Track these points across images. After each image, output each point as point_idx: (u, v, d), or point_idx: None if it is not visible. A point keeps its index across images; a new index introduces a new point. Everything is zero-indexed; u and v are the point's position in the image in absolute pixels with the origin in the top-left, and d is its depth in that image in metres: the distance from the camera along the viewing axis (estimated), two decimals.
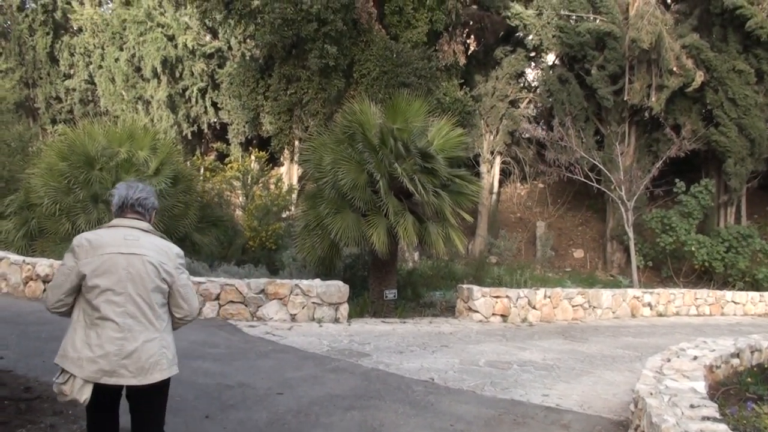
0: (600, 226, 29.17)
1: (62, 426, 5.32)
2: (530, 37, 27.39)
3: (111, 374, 3.53)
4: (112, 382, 3.55)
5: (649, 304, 17.18)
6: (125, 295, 3.60)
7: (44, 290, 11.96)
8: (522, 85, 30.31)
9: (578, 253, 28.39)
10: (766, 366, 8.03)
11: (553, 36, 26.46)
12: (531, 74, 32.06)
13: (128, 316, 3.60)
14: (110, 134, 15.37)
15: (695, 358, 7.26)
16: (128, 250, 3.66)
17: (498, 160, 29.33)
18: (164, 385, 3.74)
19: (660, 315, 17.19)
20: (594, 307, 15.72)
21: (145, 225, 3.81)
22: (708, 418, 4.83)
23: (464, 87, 24.53)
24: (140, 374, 3.58)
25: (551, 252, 27.41)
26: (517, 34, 28.56)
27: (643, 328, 14.78)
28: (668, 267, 24.99)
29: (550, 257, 27.08)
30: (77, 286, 3.64)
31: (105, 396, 3.63)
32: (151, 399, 3.73)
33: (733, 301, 19.39)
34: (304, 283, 11.67)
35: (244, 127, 27.23)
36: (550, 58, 29.80)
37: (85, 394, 3.55)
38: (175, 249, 3.86)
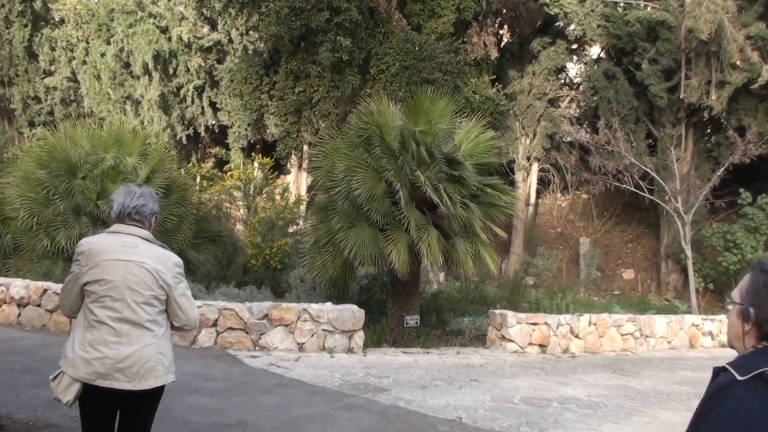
0: (653, 243, 28.97)
1: None
2: (572, 27, 27.39)
3: (105, 377, 3.84)
4: (107, 385, 3.84)
5: (710, 333, 17.00)
6: (122, 302, 3.93)
7: (19, 315, 12.03)
8: (562, 81, 30.30)
9: (628, 274, 28.20)
10: None
11: (598, 26, 26.42)
12: (573, 69, 32.04)
13: (125, 321, 3.92)
14: (95, 138, 15.49)
15: None
16: (126, 257, 3.99)
17: (535, 167, 29.28)
18: (157, 392, 4.05)
19: (723, 346, 16.97)
20: (646, 336, 15.57)
21: (144, 233, 4.12)
22: None
23: (496, 84, 24.52)
24: (135, 379, 3.89)
25: (597, 272, 27.23)
26: (557, 23, 28.58)
27: (703, 360, 14.61)
28: (732, 290, 24.71)
29: (595, 278, 26.90)
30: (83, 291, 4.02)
31: (101, 404, 3.95)
32: (142, 405, 4.05)
33: None
34: (314, 307, 11.66)
35: (246, 130, 27.38)
36: (595, 50, 29.76)
37: (69, 395, 3.87)
38: (174, 258, 4.16)
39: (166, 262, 4.10)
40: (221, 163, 28.34)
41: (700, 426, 2.20)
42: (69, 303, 4.07)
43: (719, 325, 17.27)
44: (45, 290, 11.90)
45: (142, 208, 4.15)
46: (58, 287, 11.91)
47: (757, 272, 2.33)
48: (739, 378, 2.10)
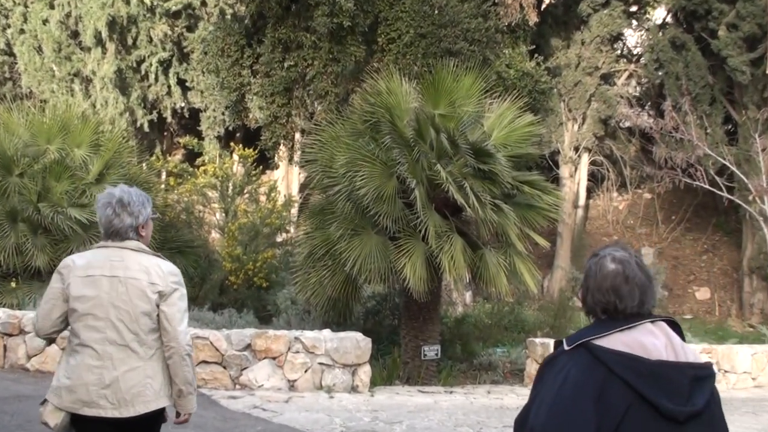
0: (733, 255, 28.90)
1: None
2: None
3: (90, 405, 4.21)
4: (92, 413, 4.21)
5: None
6: (106, 321, 4.27)
7: None
8: (619, 52, 30.27)
9: (702, 293, 28.13)
10: None
11: None
12: (632, 37, 32.01)
13: (108, 343, 4.26)
14: (35, 125, 15.52)
15: None
16: (112, 273, 4.34)
17: (585, 159, 29.27)
18: (152, 419, 4.44)
19: None
20: (725, 372, 15.51)
21: (134, 244, 4.44)
22: None
23: (536, 56, 24.47)
24: (122, 406, 4.23)
25: (663, 291, 27.16)
26: None
27: None
28: None
29: (661, 299, 26.81)
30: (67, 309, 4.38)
31: None
32: None
33: None
34: (308, 335, 11.65)
35: (223, 114, 27.45)
36: (659, 14, 29.75)
37: (55, 419, 4.31)
38: (168, 267, 4.47)
39: (159, 272, 4.38)
40: (192, 156, 28.40)
41: (537, 390, 3.16)
42: (46, 322, 4.40)
43: None
44: None
45: (119, 227, 4.43)
46: None
47: (590, 257, 3.35)
48: (566, 348, 3.09)
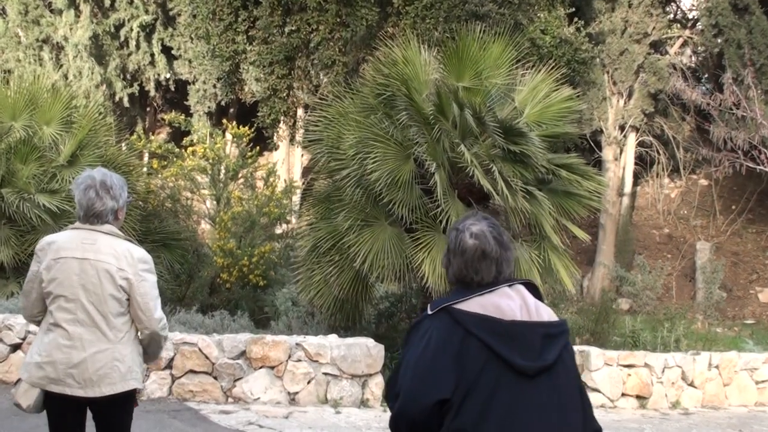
0: None
1: None
2: None
3: (57, 382, 4.92)
4: (58, 390, 4.93)
5: None
6: (77, 302, 4.97)
7: None
8: (672, 16, 30.18)
9: (766, 295, 28.07)
10: None
11: None
12: None
13: (79, 324, 4.97)
14: None
15: None
16: (83, 255, 5.01)
17: (632, 140, 29.24)
18: (120, 401, 5.11)
19: None
20: None
21: (106, 227, 5.11)
22: None
23: (576, 20, 24.42)
24: (87, 386, 4.92)
25: (721, 293, 27.11)
26: None
27: None
28: None
29: (719, 301, 26.79)
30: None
31: (62, 413, 5.11)
32: (110, 414, 5.19)
33: None
34: (311, 341, 11.68)
35: (214, 87, 27.46)
36: None
37: (28, 400, 5.05)
38: (138, 253, 5.16)
39: (128, 258, 5.07)
40: (179, 135, 28.43)
41: (404, 353, 3.89)
42: (28, 305, 5.24)
43: None
44: None
45: (101, 209, 5.11)
46: None
47: (451, 230, 4.06)
48: (429, 313, 3.80)
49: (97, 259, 4.99)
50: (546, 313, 3.88)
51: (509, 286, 3.88)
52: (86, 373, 4.91)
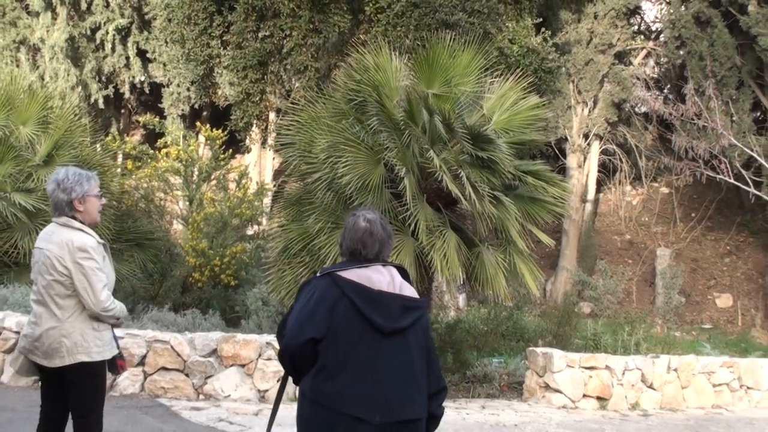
0: (759, 258, 29.10)
1: None
2: None
3: (30, 353, 5.75)
4: (32, 359, 5.74)
5: None
6: (38, 286, 5.74)
7: None
8: (636, 28, 30.40)
9: (723, 300, 28.31)
10: None
11: None
12: (651, 11, 32.16)
13: (39, 304, 5.71)
14: None
15: None
16: (39, 245, 5.76)
17: (596, 148, 29.45)
18: (75, 370, 5.70)
19: None
20: (748, 388, 15.64)
21: (63, 219, 5.76)
22: None
23: (543, 30, 24.55)
24: (46, 357, 5.67)
25: (680, 298, 27.31)
26: None
27: None
28: None
29: (678, 306, 26.98)
30: None
31: (42, 377, 5.95)
32: (72, 382, 5.78)
33: None
34: None
35: (188, 90, 27.42)
36: None
37: (16, 365, 6.05)
38: (78, 242, 5.69)
39: (69, 246, 5.65)
40: (153, 137, 28.35)
41: (294, 304, 4.96)
42: None
43: None
44: None
45: (55, 202, 5.81)
46: None
47: (349, 215, 5.17)
48: (318, 275, 4.93)
49: (46, 249, 5.69)
50: (408, 291, 5.02)
51: (383, 265, 5.02)
52: (43, 346, 5.67)
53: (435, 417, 5.14)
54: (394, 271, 5.08)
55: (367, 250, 5.04)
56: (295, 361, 4.91)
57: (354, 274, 4.90)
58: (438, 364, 5.30)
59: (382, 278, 4.94)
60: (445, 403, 5.47)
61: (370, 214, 5.16)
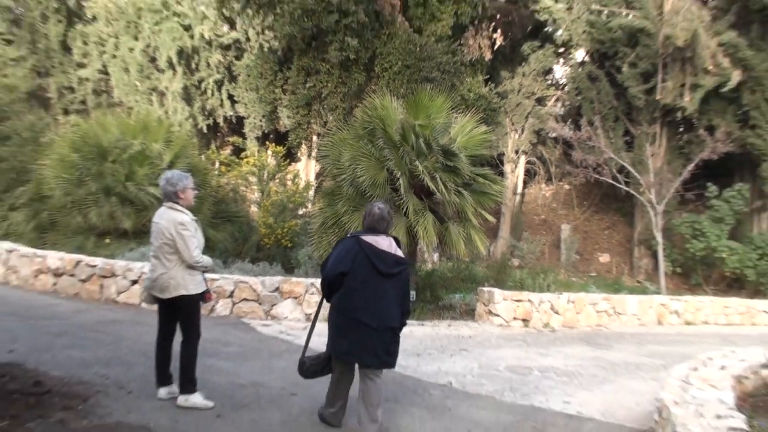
0: (627, 230, 29.05)
1: (72, 420, 5.40)
2: (559, 32, 27.36)
3: (150, 288, 6.13)
4: (151, 292, 6.14)
5: (677, 312, 17.09)
6: (153, 246, 6.09)
7: (55, 283, 12.12)
8: (550, 82, 30.26)
9: (604, 258, 28.29)
10: None
11: (584, 31, 26.38)
12: (559, 71, 32.01)
13: (155, 258, 6.09)
14: (124, 126, 15.57)
15: (723, 367, 7.25)
16: (155, 220, 6.13)
17: (523, 159, 29.30)
18: (179, 301, 6.05)
19: (688, 323, 17.10)
20: (619, 314, 15.68)
21: (169, 204, 6.12)
22: (735, 429, 4.84)
23: (489, 83, 24.50)
24: (160, 292, 6.05)
25: (576, 256, 27.33)
26: (546, 28, 28.54)
27: (670, 336, 14.71)
28: (698, 274, 24.84)
29: (574, 261, 27.00)
30: None
31: (160, 307, 6.25)
32: (178, 309, 6.11)
33: (764, 311, 19.21)
34: (320, 281, 11.70)
35: (260, 120, 27.32)
36: (580, 54, 29.70)
37: (143, 296, 6.59)
38: (179, 218, 6.03)
39: (172, 221, 5.99)
40: (238, 151, 28.28)
41: (332, 252, 5.70)
42: None
43: (685, 304, 17.38)
44: (78, 262, 11.99)
45: (164, 191, 6.18)
46: (90, 260, 12.03)
47: (368, 204, 6.01)
48: (348, 236, 5.71)
49: (159, 222, 6.05)
50: (399, 253, 5.72)
51: (387, 235, 5.73)
52: (158, 285, 6.04)
53: (402, 325, 5.78)
54: (393, 240, 5.76)
55: (380, 226, 5.72)
56: (330, 284, 5.63)
57: (369, 238, 5.63)
58: (408, 298, 5.81)
59: (384, 243, 5.66)
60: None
61: (381, 204, 5.84)
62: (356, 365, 5.82)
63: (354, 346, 5.57)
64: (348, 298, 5.56)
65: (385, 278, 5.58)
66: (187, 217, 6.09)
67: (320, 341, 6.30)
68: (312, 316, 11.38)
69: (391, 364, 5.78)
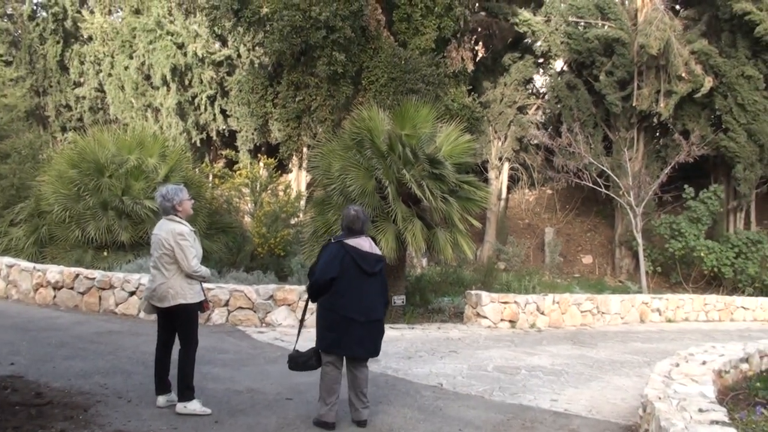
0: (608, 232, 29.12)
1: (73, 430, 5.34)
2: (538, 43, 27.46)
3: (149, 298, 6.10)
4: (151, 302, 6.09)
5: (658, 310, 17.13)
6: (153, 257, 6.08)
7: (54, 296, 12.02)
8: (530, 91, 30.34)
9: (587, 259, 28.34)
10: None
11: (562, 42, 26.49)
12: (539, 81, 32.09)
13: (155, 268, 6.05)
14: (120, 142, 15.48)
15: (704, 362, 7.25)
16: (155, 232, 6.12)
17: (506, 166, 29.32)
18: (176, 310, 6.01)
19: (669, 321, 17.13)
20: (603, 313, 15.69)
21: (169, 217, 6.10)
22: (717, 423, 4.84)
23: (472, 93, 24.49)
24: (160, 301, 6.01)
25: (560, 258, 27.37)
26: (526, 40, 28.60)
27: (652, 333, 14.74)
28: (677, 273, 24.91)
29: (558, 263, 27.04)
30: None
31: (158, 317, 6.21)
32: (174, 318, 6.09)
33: (742, 307, 19.31)
34: None
35: (252, 134, 27.25)
36: (559, 64, 29.80)
37: (143, 306, 6.46)
38: (178, 229, 6.01)
39: (172, 232, 5.98)
40: (231, 164, 28.14)
41: (318, 258, 5.93)
42: None
43: (666, 303, 17.41)
44: (77, 275, 11.89)
45: (162, 207, 6.19)
46: (88, 272, 11.93)
47: (345, 208, 6.25)
48: (333, 241, 5.94)
49: (159, 234, 6.04)
50: (377, 251, 6.04)
51: (365, 236, 5.97)
52: (157, 294, 6.00)
53: (384, 314, 6.17)
54: (370, 239, 6.07)
55: (356, 226, 5.94)
56: (320, 289, 5.85)
57: (353, 242, 5.87)
58: (387, 291, 6.16)
59: (365, 243, 5.95)
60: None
61: (355, 206, 6.19)
62: (344, 358, 6.05)
63: (343, 340, 5.86)
64: (336, 298, 5.81)
65: (370, 277, 5.86)
66: (186, 227, 6.09)
67: (309, 346, 6.27)
68: (305, 322, 11.33)
69: (377, 352, 6.10)
